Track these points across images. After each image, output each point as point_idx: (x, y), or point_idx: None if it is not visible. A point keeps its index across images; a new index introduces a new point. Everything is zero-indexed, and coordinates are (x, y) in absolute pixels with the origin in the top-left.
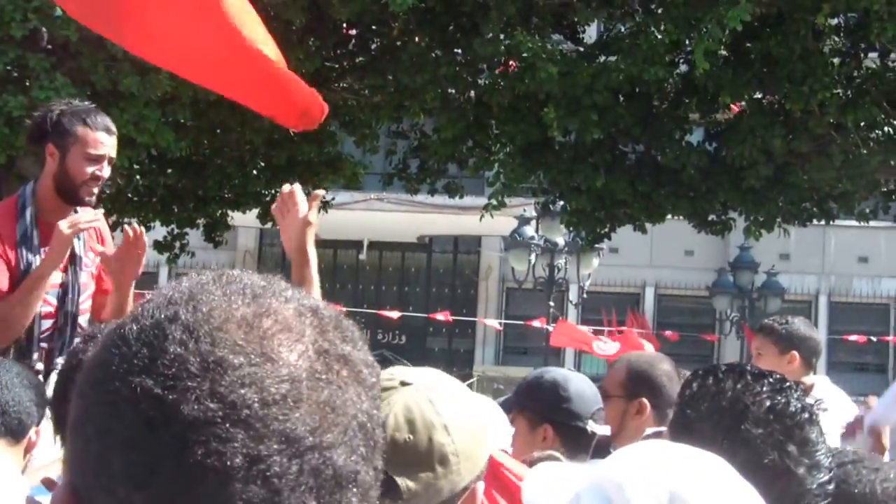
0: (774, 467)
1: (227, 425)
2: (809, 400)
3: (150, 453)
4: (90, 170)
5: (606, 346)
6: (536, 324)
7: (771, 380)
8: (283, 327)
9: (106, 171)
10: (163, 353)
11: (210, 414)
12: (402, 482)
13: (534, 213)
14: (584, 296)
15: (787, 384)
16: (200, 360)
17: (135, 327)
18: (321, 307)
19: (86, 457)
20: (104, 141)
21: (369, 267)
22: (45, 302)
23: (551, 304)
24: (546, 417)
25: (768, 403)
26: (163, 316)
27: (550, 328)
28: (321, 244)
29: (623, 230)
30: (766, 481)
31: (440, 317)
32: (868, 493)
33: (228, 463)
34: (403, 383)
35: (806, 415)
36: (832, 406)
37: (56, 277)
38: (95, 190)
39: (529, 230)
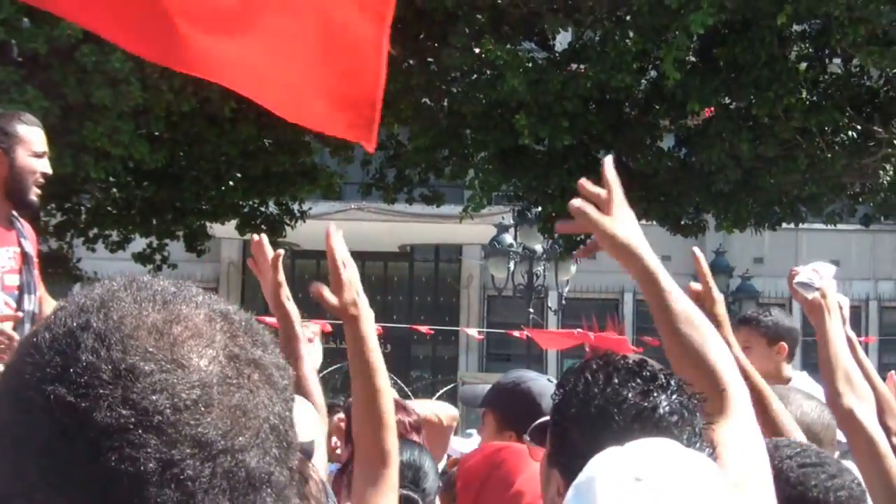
0: None
1: (140, 431)
2: (682, 397)
3: (66, 460)
4: (39, 166)
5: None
6: (516, 333)
7: (640, 379)
8: (194, 333)
9: (48, 167)
10: (75, 362)
11: (123, 420)
12: None
13: (512, 221)
14: (564, 302)
15: (657, 382)
16: (112, 368)
17: (48, 336)
18: (232, 312)
19: (3, 464)
20: (42, 137)
21: None
22: (6, 305)
23: (531, 310)
24: (513, 426)
25: (634, 412)
26: (75, 324)
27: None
28: (303, 255)
29: None
30: None
31: (422, 329)
32: (821, 499)
33: (142, 468)
34: None
35: (675, 417)
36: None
37: (13, 279)
38: (38, 190)
39: (508, 238)
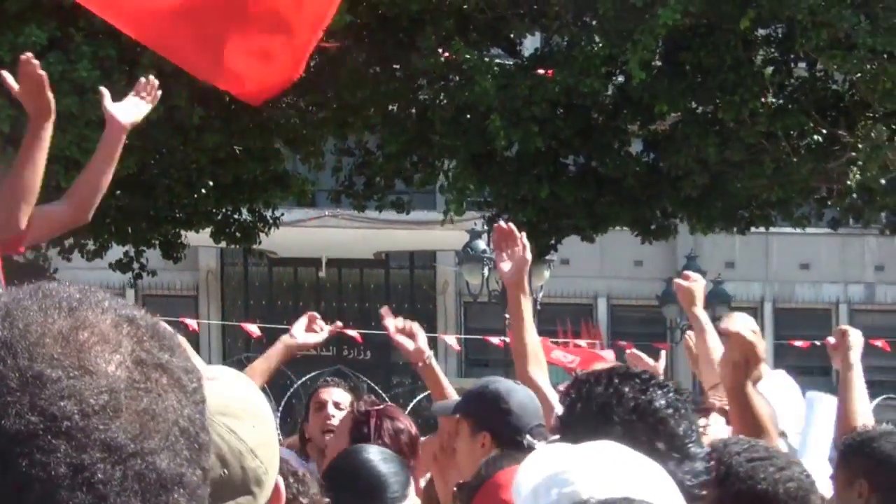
0: None
1: (49, 437)
2: (674, 395)
3: None
4: None
5: (565, 358)
6: (494, 340)
7: (638, 380)
8: (100, 339)
9: None
10: None
11: (32, 427)
12: None
13: (484, 227)
14: (539, 307)
15: (654, 382)
16: (19, 376)
17: None
18: (138, 317)
19: None
20: None
21: (329, 284)
22: None
23: (507, 316)
24: (485, 426)
25: (632, 404)
26: None
27: (507, 339)
28: (280, 262)
29: (572, 242)
30: None
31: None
32: (770, 491)
33: (53, 473)
34: None
35: (670, 410)
36: (781, 399)
37: None
38: None
39: (481, 244)
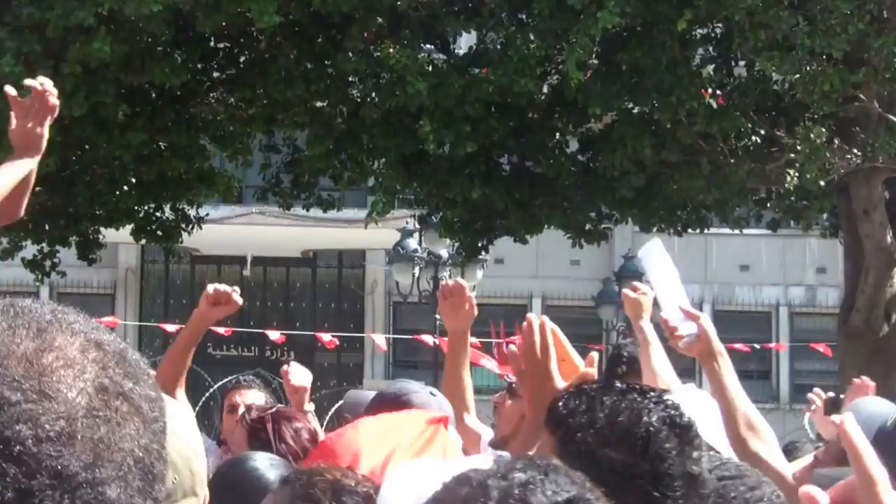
0: (633, 490)
1: (0, 461)
2: (668, 411)
3: None
4: None
5: (491, 365)
6: (427, 337)
7: (630, 397)
8: (65, 363)
9: None
10: None
11: None
12: None
13: (416, 226)
14: None
15: (646, 399)
16: None
17: None
18: (106, 342)
19: None
20: None
21: (254, 283)
22: None
23: (437, 317)
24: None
25: (622, 419)
26: None
27: (438, 340)
28: (203, 260)
29: (507, 241)
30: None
31: (326, 336)
32: None
33: (0, 497)
34: None
35: (653, 428)
36: (705, 416)
37: None
38: None
39: (413, 243)
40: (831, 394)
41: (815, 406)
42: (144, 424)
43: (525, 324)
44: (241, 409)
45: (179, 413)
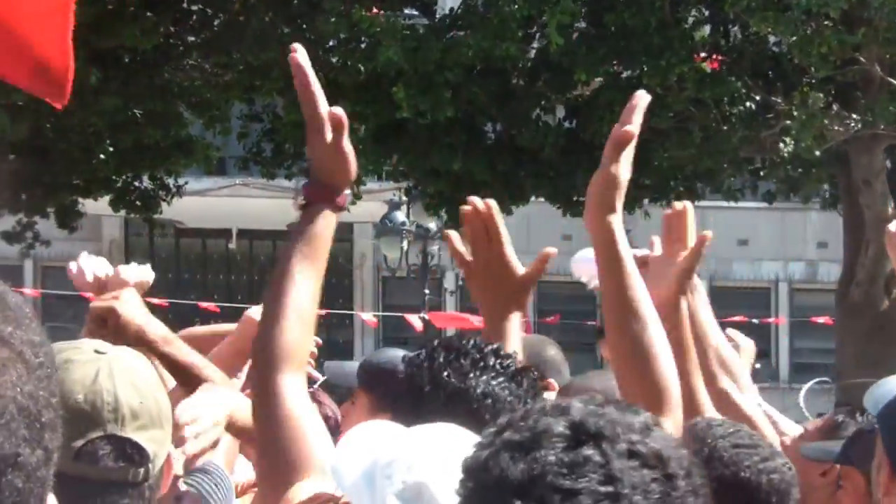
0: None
1: None
2: (508, 382)
3: None
4: None
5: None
6: (413, 318)
7: (465, 360)
8: None
9: None
10: None
11: None
12: (148, 446)
13: (403, 198)
14: (461, 283)
15: (483, 365)
16: None
17: None
18: None
19: None
20: None
21: (240, 256)
22: None
23: (427, 291)
24: (390, 407)
25: (450, 390)
26: None
27: (426, 317)
28: (189, 233)
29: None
30: None
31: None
32: (753, 480)
33: None
34: (98, 352)
35: (489, 400)
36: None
37: None
38: None
39: (400, 216)
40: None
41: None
42: (28, 370)
43: (468, 207)
44: None
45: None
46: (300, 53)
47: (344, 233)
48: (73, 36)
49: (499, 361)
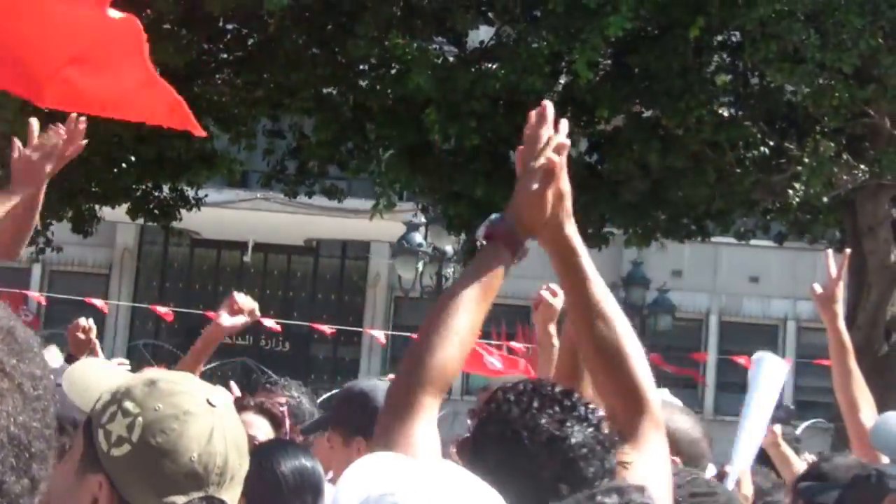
0: None
1: None
2: (598, 432)
3: None
4: None
5: (495, 361)
6: None
7: (559, 408)
8: None
9: None
10: None
11: None
12: (231, 502)
13: (422, 220)
14: None
15: (577, 414)
16: None
17: None
18: None
19: None
20: None
21: (254, 269)
22: None
23: None
24: (358, 430)
25: (546, 438)
26: None
27: None
28: (204, 244)
29: None
30: None
31: (325, 328)
32: None
33: None
34: (210, 404)
35: (584, 450)
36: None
37: None
38: None
39: (418, 237)
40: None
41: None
42: (24, 402)
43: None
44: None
45: None
46: (549, 107)
47: (360, 250)
48: None
49: (588, 410)
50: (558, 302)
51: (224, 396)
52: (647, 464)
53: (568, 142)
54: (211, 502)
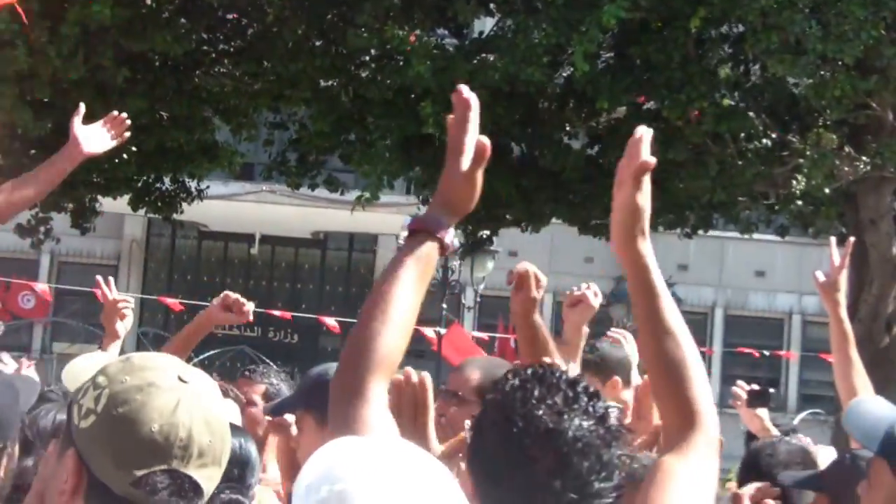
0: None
1: None
2: (599, 425)
3: None
4: None
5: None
6: (429, 331)
7: (560, 399)
8: None
9: None
10: None
11: None
12: (204, 484)
13: None
14: (480, 299)
15: (578, 406)
16: None
17: None
18: None
19: None
20: None
21: (261, 262)
22: None
23: (444, 306)
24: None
25: (543, 429)
26: None
27: (442, 331)
28: (210, 236)
29: (522, 234)
30: None
31: (331, 321)
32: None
33: None
34: (182, 380)
35: (579, 444)
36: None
37: None
38: None
39: None
40: (755, 386)
41: (740, 400)
42: None
43: (402, 377)
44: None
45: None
46: (466, 90)
47: (368, 243)
48: (103, 37)
49: (590, 403)
50: (597, 303)
51: (203, 379)
52: (692, 474)
53: (653, 160)
54: (173, 475)
